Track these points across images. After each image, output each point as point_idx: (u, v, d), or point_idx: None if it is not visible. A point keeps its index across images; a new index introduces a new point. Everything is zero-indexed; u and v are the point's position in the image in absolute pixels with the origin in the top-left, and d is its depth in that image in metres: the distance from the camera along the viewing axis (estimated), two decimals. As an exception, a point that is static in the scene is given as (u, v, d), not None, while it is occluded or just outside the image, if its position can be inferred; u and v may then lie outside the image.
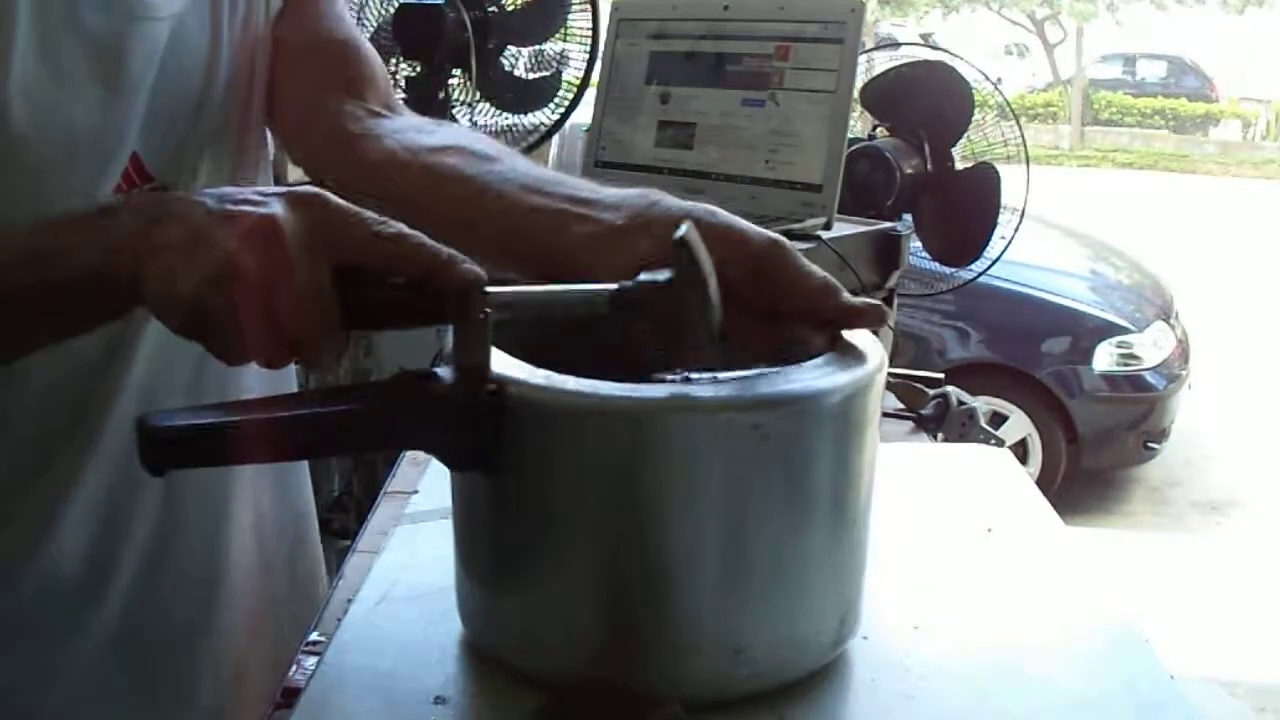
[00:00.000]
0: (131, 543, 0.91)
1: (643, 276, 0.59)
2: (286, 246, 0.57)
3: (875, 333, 0.67)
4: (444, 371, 0.60)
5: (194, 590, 0.96)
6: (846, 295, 0.66)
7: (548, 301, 0.62)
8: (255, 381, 0.94)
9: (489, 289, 0.59)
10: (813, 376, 0.61)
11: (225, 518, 0.98)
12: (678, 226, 0.60)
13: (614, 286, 0.60)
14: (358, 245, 0.59)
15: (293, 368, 1.03)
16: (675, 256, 0.58)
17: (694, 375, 0.63)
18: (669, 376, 0.63)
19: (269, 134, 0.95)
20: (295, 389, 1.06)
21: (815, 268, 0.66)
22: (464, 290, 0.58)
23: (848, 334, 0.66)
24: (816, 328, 0.66)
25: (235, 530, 0.98)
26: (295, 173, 1.09)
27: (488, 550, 0.65)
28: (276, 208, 0.58)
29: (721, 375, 0.62)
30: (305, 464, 1.09)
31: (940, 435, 1.20)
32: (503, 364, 0.61)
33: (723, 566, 0.60)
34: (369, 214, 0.59)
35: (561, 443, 0.60)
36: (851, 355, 0.64)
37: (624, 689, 0.59)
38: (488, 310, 0.58)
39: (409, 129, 0.86)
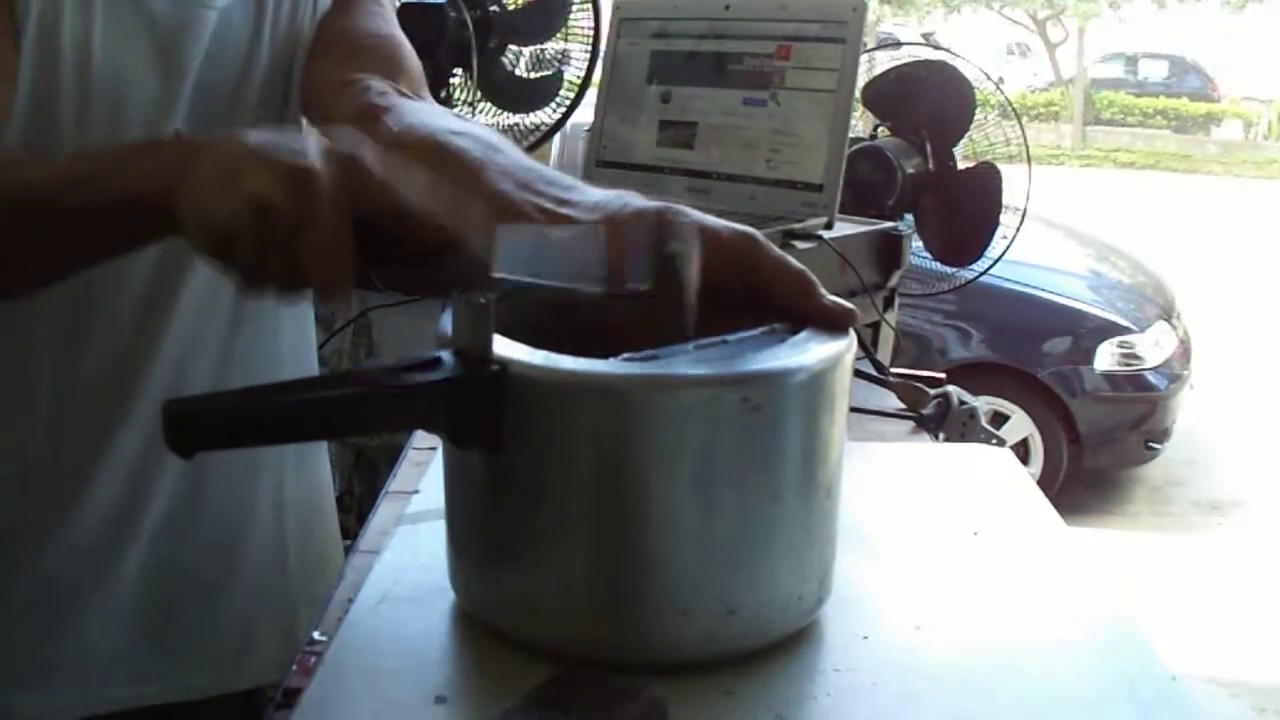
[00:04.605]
0: (156, 506, 0.97)
1: (628, 286, 0.65)
2: (317, 191, 0.60)
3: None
4: (448, 355, 0.63)
5: (213, 555, 1.02)
6: (820, 291, 0.69)
7: (543, 293, 0.66)
8: (279, 354, 1.02)
9: (495, 275, 0.64)
10: (794, 351, 0.65)
11: (247, 489, 1.03)
12: (642, 223, 0.66)
13: (600, 291, 0.65)
14: (379, 201, 0.63)
15: (313, 342, 1.11)
16: (661, 267, 0.64)
17: (659, 352, 0.65)
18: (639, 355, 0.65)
19: (304, 124, 0.98)
20: (315, 359, 1.13)
21: (789, 258, 0.68)
22: (474, 262, 0.63)
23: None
24: (792, 320, 0.68)
25: (256, 501, 1.04)
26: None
27: (488, 524, 0.67)
28: (312, 156, 0.61)
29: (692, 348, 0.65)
30: (323, 442, 1.14)
31: (941, 435, 1.20)
32: (503, 345, 0.63)
33: (717, 532, 0.63)
34: (394, 182, 0.64)
35: (562, 419, 0.62)
36: (825, 330, 0.68)
37: (602, 680, 0.60)
38: (490, 295, 0.62)
39: (431, 111, 0.89)
